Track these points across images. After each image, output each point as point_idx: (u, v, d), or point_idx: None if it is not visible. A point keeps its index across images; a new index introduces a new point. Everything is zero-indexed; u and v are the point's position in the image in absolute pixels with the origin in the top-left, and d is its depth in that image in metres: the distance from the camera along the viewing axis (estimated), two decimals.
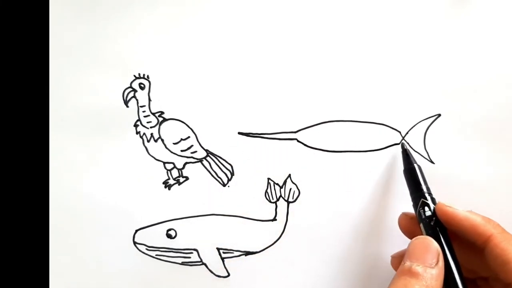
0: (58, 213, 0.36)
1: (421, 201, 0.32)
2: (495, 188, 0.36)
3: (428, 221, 0.31)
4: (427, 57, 0.37)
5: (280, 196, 0.36)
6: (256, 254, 0.36)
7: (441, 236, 0.30)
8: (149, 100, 0.37)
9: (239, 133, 0.37)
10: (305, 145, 0.37)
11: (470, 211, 0.31)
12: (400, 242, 0.36)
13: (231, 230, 0.36)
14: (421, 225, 0.31)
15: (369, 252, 0.36)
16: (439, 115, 0.37)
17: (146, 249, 0.36)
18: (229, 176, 0.37)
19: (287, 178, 0.36)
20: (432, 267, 0.28)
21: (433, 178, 0.36)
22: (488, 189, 0.36)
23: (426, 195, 0.32)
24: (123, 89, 0.37)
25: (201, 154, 0.37)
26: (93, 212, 0.36)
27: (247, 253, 0.36)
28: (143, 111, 0.37)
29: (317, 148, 0.37)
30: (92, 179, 0.36)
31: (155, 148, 0.37)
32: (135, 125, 0.37)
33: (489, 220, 0.31)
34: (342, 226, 0.36)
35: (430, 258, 0.28)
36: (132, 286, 0.36)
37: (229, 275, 0.36)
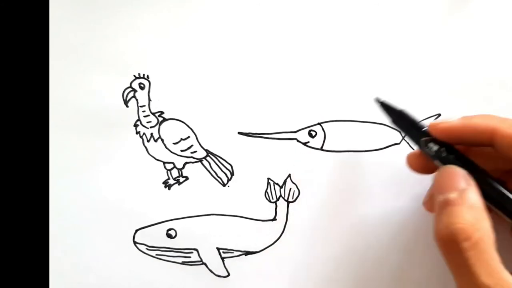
0: (58, 213, 0.36)
1: (421, 140, 0.30)
2: None
3: (440, 153, 0.30)
4: (427, 57, 0.37)
5: (280, 196, 0.36)
6: (256, 254, 0.36)
7: (457, 159, 0.29)
8: (149, 100, 0.37)
9: (239, 133, 0.37)
10: (305, 145, 0.37)
11: (463, 117, 0.30)
12: (401, 241, 0.36)
13: (231, 230, 0.36)
14: (436, 161, 0.30)
15: (369, 252, 0.36)
16: (439, 115, 0.37)
17: (146, 249, 0.36)
18: (229, 176, 0.37)
19: (287, 178, 0.37)
20: (466, 189, 0.27)
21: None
22: None
23: (424, 131, 0.31)
24: (123, 89, 0.37)
25: (201, 154, 0.37)
26: (93, 212, 0.36)
27: (247, 253, 0.36)
28: (143, 111, 0.37)
29: (317, 148, 0.37)
30: (92, 179, 0.36)
31: (155, 148, 0.37)
32: (135, 125, 0.37)
33: (483, 116, 0.29)
34: (342, 226, 0.36)
35: (459, 182, 0.27)
36: (132, 286, 0.36)
37: (229, 275, 0.36)
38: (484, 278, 0.25)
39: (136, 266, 0.36)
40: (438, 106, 0.37)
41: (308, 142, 0.37)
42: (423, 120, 0.37)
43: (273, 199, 0.36)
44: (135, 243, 0.36)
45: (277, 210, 0.36)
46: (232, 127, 0.37)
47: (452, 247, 0.25)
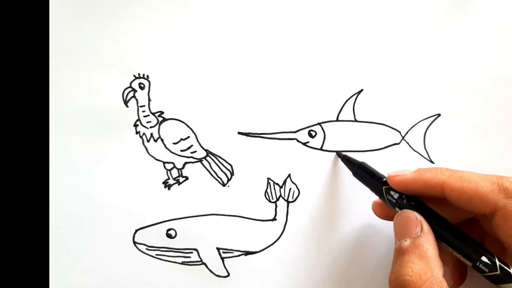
0: (58, 213, 0.36)
1: (383, 188, 0.32)
2: None
3: (401, 201, 0.31)
4: (427, 57, 0.37)
5: (280, 196, 0.36)
6: (256, 254, 0.36)
7: (416, 206, 0.30)
8: (149, 100, 0.37)
9: (238, 133, 0.37)
10: (305, 145, 0.37)
11: (418, 169, 0.31)
12: None
13: (231, 230, 0.36)
14: (397, 209, 0.31)
15: (369, 252, 0.36)
16: (439, 115, 0.37)
17: (146, 249, 0.36)
18: (229, 176, 0.37)
19: (286, 178, 0.36)
20: (419, 236, 0.28)
21: None
22: None
23: (384, 180, 0.32)
24: (123, 89, 0.37)
25: (201, 154, 0.37)
26: (93, 212, 0.36)
27: (247, 253, 0.36)
28: (143, 111, 0.37)
29: (317, 148, 0.37)
30: (92, 179, 0.36)
31: (155, 148, 0.37)
32: (135, 125, 0.37)
33: (436, 169, 0.30)
34: (342, 226, 0.36)
35: (413, 229, 0.28)
36: (132, 286, 0.36)
37: (229, 275, 0.36)
38: None
39: (136, 266, 0.36)
40: (438, 106, 0.37)
41: (308, 142, 0.37)
42: (422, 120, 0.37)
43: (273, 199, 0.36)
44: (135, 243, 0.36)
45: (277, 210, 0.36)
46: (232, 127, 0.37)
47: None
